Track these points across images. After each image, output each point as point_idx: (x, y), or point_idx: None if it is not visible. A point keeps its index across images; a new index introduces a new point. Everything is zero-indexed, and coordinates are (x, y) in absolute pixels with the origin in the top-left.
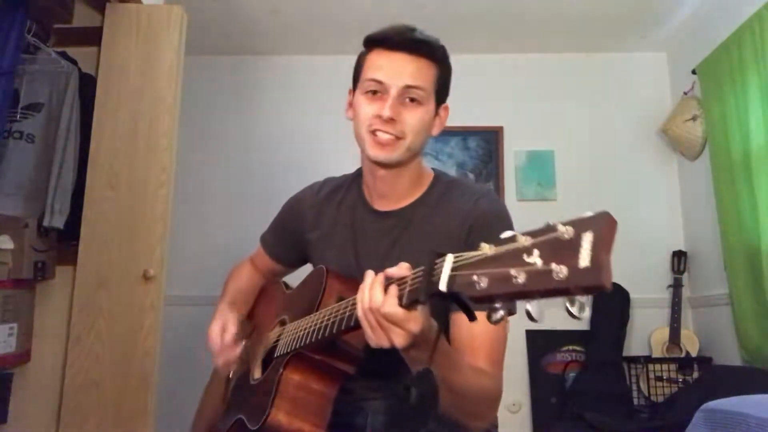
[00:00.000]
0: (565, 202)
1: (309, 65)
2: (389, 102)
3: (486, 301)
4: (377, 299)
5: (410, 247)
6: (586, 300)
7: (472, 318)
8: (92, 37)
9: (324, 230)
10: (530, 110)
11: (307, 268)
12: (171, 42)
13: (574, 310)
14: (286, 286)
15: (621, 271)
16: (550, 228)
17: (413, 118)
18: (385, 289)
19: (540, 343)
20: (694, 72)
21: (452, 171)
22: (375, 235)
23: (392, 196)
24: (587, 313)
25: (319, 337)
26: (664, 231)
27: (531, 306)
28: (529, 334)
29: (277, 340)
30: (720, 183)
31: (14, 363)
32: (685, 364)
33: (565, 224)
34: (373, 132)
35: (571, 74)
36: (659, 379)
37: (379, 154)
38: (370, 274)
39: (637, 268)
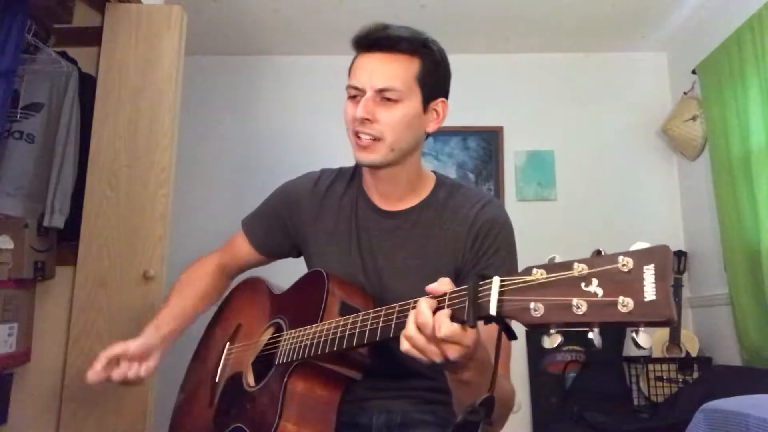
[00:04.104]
0: (565, 202)
1: (309, 65)
2: (362, 102)
3: (541, 327)
4: (429, 323)
5: (417, 249)
6: (649, 331)
7: (512, 338)
8: (92, 37)
9: (325, 224)
10: (530, 110)
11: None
12: (171, 42)
13: (641, 340)
14: (273, 286)
15: None
16: (606, 258)
17: (390, 117)
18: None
19: (540, 342)
20: (694, 72)
21: (452, 171)
22: (379, 234)
23: (393, 195)
24: (650, 343)
25: (334, 348)
26: (664, 231)
27: (593, 335)
28: (529, 333)
29: (274, 345)
30: (720, 183)
31: (14, 363)
32: (685, 364)
33: (623, 255)
34: (356, 134)
35: (571, 74)
36: (659, 379)
37: (360, 156)
38: (424, 303)
39: None
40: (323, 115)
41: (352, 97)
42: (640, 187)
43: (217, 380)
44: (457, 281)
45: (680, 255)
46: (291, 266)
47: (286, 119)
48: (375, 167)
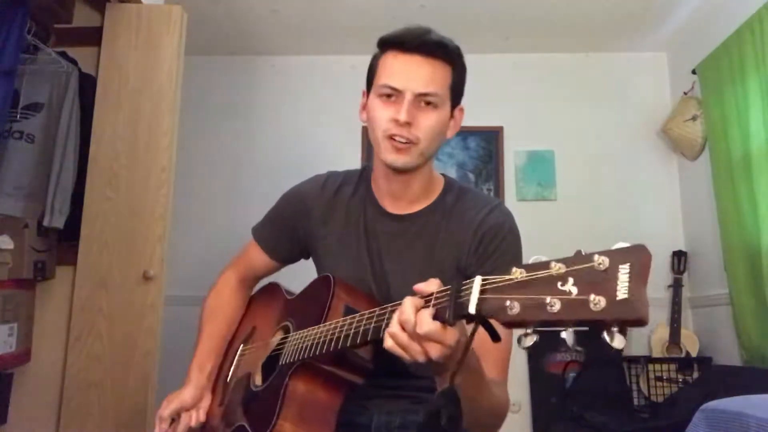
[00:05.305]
0: (565, 202)
1: (308, 65)
2: (405, 106)
3: (518, 326)
4: (410, 321)
5: (423, 252)
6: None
7: (496, 339)
8: (92, 37)
9: (334, 227)
10: (530, 110)
11: (304, 270)
12: (171, 42)
13: (610, 340)
14: (287, 291)
15: None
16: (583, 257)
17: (428, 122)
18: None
19: (540, 342)
20: (694, 72)
21: (452, 171)
22: (387, 237)
23: (404, 198)
24: (624, 344)
25: (330, 349)
26: (664, 231)
27: (566, 334)
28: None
29: (281, 347)
30: (720, 183)
31: (14, 363)
32: (685, 364)
33: (600, 254)
34: (391, 137)
35: (571, 74)
36: (659, 379)
37: (393, 159)
38: (408, 301)
39: None
40: (323, 115)
41: (386, 96)
42: (640, 187)
43: (228, 380)
44: None
45: (680, 255)
46: (303, 270)
47: (286, 119)
48: (404, 171)
